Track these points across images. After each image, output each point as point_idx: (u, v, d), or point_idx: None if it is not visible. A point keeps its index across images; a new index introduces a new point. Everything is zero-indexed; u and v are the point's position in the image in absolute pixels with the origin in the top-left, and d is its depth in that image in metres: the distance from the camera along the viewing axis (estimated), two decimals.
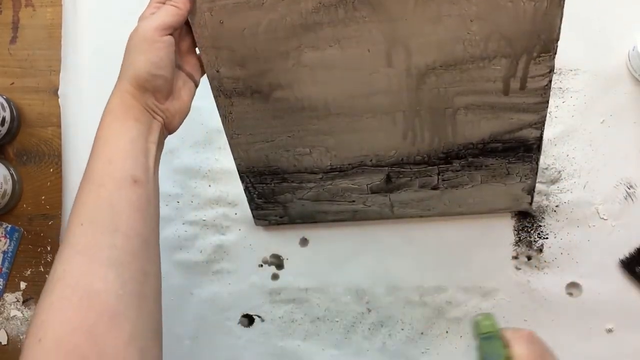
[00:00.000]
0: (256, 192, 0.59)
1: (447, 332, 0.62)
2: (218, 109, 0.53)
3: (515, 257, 0.61)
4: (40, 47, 0.70)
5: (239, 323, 0.65)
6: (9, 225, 0.70)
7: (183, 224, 0.65)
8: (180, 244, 0.65)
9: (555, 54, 0.48)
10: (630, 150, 0.60)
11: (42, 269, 0.70)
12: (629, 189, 0.60)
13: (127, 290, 0.36)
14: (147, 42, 0.41)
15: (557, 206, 0.61)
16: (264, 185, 0.59)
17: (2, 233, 0.70)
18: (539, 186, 0.61)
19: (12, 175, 0.69)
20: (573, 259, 0.61)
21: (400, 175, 0.57)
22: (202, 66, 0.50)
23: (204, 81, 0.51)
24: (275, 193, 0.59)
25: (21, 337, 0.70)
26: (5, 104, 0.67)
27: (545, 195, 0.61)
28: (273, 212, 0.61)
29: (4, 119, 0.66)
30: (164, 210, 0.55)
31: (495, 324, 0.43)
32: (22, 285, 0.70)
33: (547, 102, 0.51)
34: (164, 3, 0.43)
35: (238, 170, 0.58)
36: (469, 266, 0.62)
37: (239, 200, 0.64)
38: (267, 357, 0.65)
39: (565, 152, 0.61)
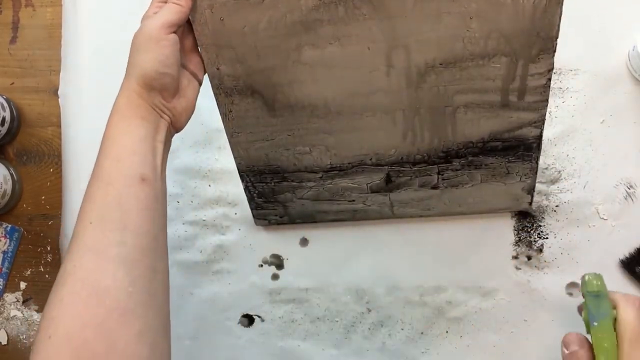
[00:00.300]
0: (256, 192, 0.59)
1: (447, 332, 0.62)
2: (218, 107, 0.53)
3: (515, 257, 0.61)
4: (40, 47, 0.70)
5: (239, 323, 0.65)
6: (9, 225, 0.70)
7: (183, 224, 0.65)
8: (180, 244, 0.65)
9: (555, 52, 0.48)
10: (630, 150, 0.60)
11: (42, 269, 0.70)
12: (629, 189, 0.60)
13: (136, 288, 0.36)
14: (153, 40, 0.41)
15: (557, 206, 0.61)
16: (264, 184, 0.59)
17: (2, 233, 0.70)
18: (539, 186, 0.61)
19: (12, 175, 0.69)
20: (573, 259, 0.61)
21: (400, 175, 0.57)
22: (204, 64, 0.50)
23: (204, 80, 0.51)
24: (275, 192, 0.59)
25: (21, 337, 0.70)
26: (5, 104, 0.67)
27: (545, 195, 0.61)
28: (273, 211, 0.61)
29: (4, 119, 0.66)
30: None
31: (604, 284, 0.43)
32: (22, 285, 0.70)
33: (547, 100, 0.51)
34: (166, 2, 0.43)
35: (238, 169, 0.58)
36: (469, 266, 0.62)
37: (239, 200, 0.64)
38: (267, 357, 0.65)
39: (565, 152, 0.61)
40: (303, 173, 0.57)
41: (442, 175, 0.56)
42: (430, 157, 0.55)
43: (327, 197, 0.59)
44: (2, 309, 0.71)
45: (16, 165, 0.70)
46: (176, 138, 0.50)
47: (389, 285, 0.63)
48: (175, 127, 0.46)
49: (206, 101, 0.52)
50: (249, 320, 0.65)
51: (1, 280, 0.70)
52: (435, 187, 0.58)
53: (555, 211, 0.61)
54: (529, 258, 0.61)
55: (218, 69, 0.50)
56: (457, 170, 0.56)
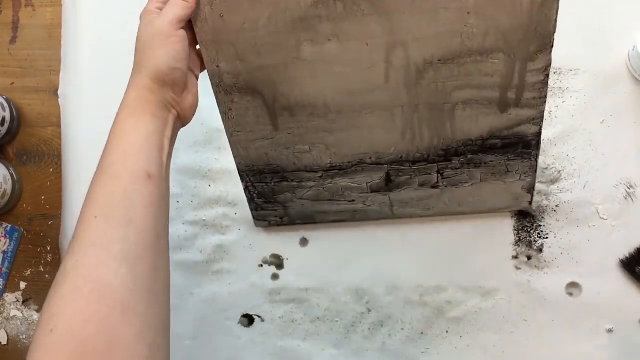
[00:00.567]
0: (256, 192, 0.59)
1: (447, 332, 0.62)
2: (218, 106, 0.53)
3: (515, 257, 0.61)
4: (40, 47, 0.70)
5: (239, 323, 0.65)
6: (9, 225, 0.70)
7: (183, 224, 0.65)
8: (180, 244, 0.65)
9: (552, 47, 0.48)
10: (630, 150, 0.60)
11: (42, 269, 0.70)
12: (629, 189, 0.60)
13: (138, 285, 0.36)
14: (164, 36, 0.42)
15: (557, 206, 0.61)
16: (264, 184, 0.59)
17: (2, 233, 0.70)
18: (539, 186, 0.61)
19: (12, 175, 0.69)
20: (573, 259, 0.61)
21: (400, 174, 0.56)
22: (201, 62, 0.50)
23: (203, 80, 0.51)
24: (275, 192, 0.59)
25: (21, 337, 0.70)
26: (5, 104, 0.67)
27: (545, 195, 0.61)
28: (273, 212, 0.61)
29: (4, 119, 0.66)
30: None
31: None
32: (22, 285, 0.70)
33: (545, 97, 0.51)
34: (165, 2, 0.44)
35: (238, 169, 0.58)
36: (468, 266, 0.62)
37: (239, 200, 0.64)
38: (267, 357, 0.65)
39: (565, 152, 0.61)
40: (303, 172, 0.57)
41: (442, 174, 0.56)
42: (429, 155, 0.55)
43: (327, 197, 0.59)
44: (2, 309, 0.71)
45: (16, 165, 0.70)
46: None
47: (389, 285, 0.63)
48: (182, 121, 0.47)
49: (206, 100, 0.52)
50: (249, 320, 0.65)
51: (1, 280, 0.70)
52: (435, 187, 0.58)
53: (555, 211, 0.61)
54: (529, 258, 0.61)
55: (218, 66, 0.50)
56: (456, 168, 0.56)
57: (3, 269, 0.70)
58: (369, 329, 0.63)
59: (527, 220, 0.61)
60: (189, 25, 0.47)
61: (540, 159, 0.61)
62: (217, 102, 0.53)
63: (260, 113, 0.53)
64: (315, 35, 0.48)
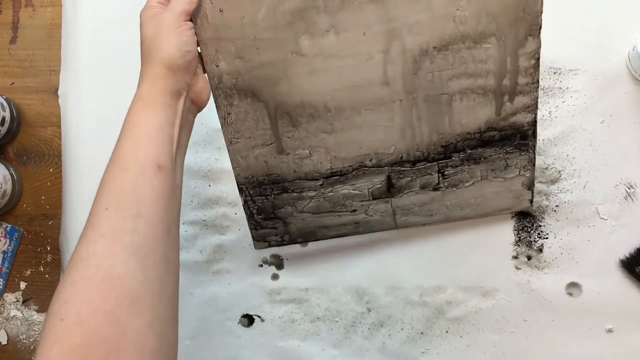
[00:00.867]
0: (255, 207, 0.58)
1: (447, 332, 0.62)
2: (217, 111, 0.53)
3: (515, 257, 0.61)
4: (40, 47, 0.69)
5: (239, 323, 0.65)
6: (9, 225, 0.70)
7: (183, 224, 0.65)
8: (180, 244, 0.65)
9: (541, 28, 0.49)
10: (630, 150, 0.60)
11: (42, 269, 0.70)
12: (629, 189, 0.60)
13: (148, 276, 0.36)
14: (173, 27, 0.44)
15: (557, 206, 0.61)
16: (264, 197, 0.58)
17: (2, 233, 0.70)
18: (539, 186, 0.61)
19: (12, 175, 0.69)
20: (573, 259, 0.61)
21: (401, 176, 0.56)
22: (202, 64, 0.50)
23: None
24: (275, 207, 0.58)
25: (21, 337, 0.70)
26: (5, 104, 0.67)
27: (545, 195, 0.61)
28: (273, 230, 0.60)
29: (4, 119, 0.66)
30: None
31: None
32: (22, 285, 0.70)
33: (537, 82, 0.52)
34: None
35: (237, 182, 0.57)
36: (468, 266, 0.62)
37: (239, 200, 0.64)
38: (267, 357, 0.65)
39: (565, 152, 0.61)
40: (303, 181, 0.57)
41: (443, 172, 0.56)
42: (429, 153, 0.55)
43: (328, 209, 0.58)
44: (2, 309, 0.71)
45: (16, 165, 0.70)
46: None
47: (389, 285, 0.63)
48: (198, 105, 0.47)
49: None
50: (249, 320, 0.65)
51: (1, 280, 0.70)
52: (436, 189, 0.57)
53: (555, 211, 0.61)
54: (529, 258, 0.61)
55: (217, 65, 0.50)
56: (456, 166, 0.56)
57: (3, 269, 0.70)
58: (369, 329, 0.63)
59: (527, 220, 0.61)
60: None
61: (541, 159, 0.61)
62: (216, 106, 0.53)
63: (260, 116, 0.53)
64: (313, 28, 0.49)
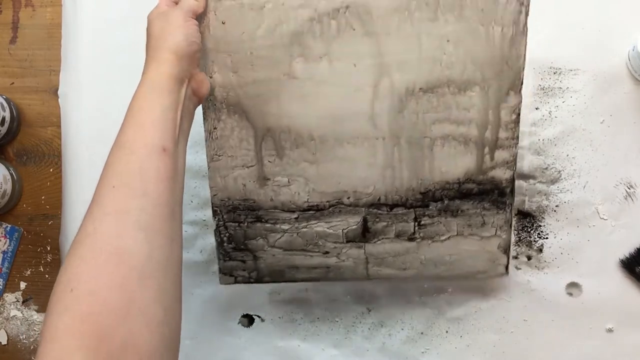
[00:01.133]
0: (227, 234, 0.57)
1: (447, 332, 0.62)
2: (204, 124, 0.54)
3: (515, 257, 0.61)
4: (40, 47, 0.69)
5: (239, 323, 0.65)
6: (9, 225, 0.70)
7: (183, 223, 0.65)
8: None
9: (522, 85, 0.51)
10: (630, 150, 0.60)
11: (42, 269, 0.70)
12: (629, 189, 0.60)
13: (154, 253, 0.37)
14: (180, 21, 0.46)
15: (557, 206, 0.61)
16: (237, 224, 0.57)
17: (2, 233, 0.70)
18: (539, 186, 0.61)
19: (12, 175, 0.69)
20: (573, 259, 0.61)
21: (377, 220, 0.56)
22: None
23: None
24: (247, 237, 0.57)
25: (21, 337, 0.70)
26: (5, 104, 0.67)
27: (545, 195, 0.61)
28: (241, 264, 0.58)
29: (4, 119, 0.66)
30: None
31: None
32: (22, 285, 0.70)
33: (517, 139, 0.53)
34: (176, 3, 0.48)
35: (212, 204, 0.57)
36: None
37: None
38: (267, 357, 0.65)
39: (565, 152, 0.61)
40: (279, 212, 0.56)
41: (419, 222, 0.56)
42: (408, 199, 0.55)
43: (300, 246, 0.57)
44: (2, 309, 0.71)
45: (16, 165, 0.70)
46: None
47: (389, 285, 0.63)
48: (198, 95, 0.49)
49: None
50: (249, 320, 0.65)
51: (1, 280, 0.70)
52: (412, 239, 0.56)
53: (555, 211, 0.61)
54: (529, 258, 0.61)
55: (211, 76, 0.52)
56: (433, 216, 0.55)
57: (3, 269, 0.70)
58: (369, 329, 0.63)
59: (527, 220, 0.61)
60: None
61: (540, 159, 0.61)
62: (204, 119, 0.53)
63: (245, 136, 0.54)
64: (307, 52, 0.51)
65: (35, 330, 0.70)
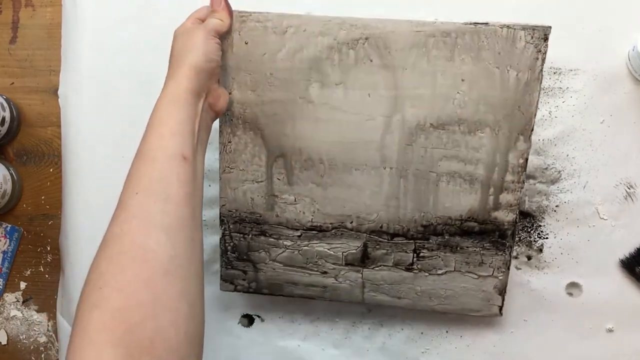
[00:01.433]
0: (231, 244, 0.58)
1: (447, 332, 0.62)
2: (220, 136, 0.56)
3: (515, 257, 0.61)
4: (40, 47, 0.70)
5: (239, 323, 0.65)
6: (9, 225, 0.70)
7: None
8: None
9: (532, 132, 0.52)
10: (630, 150, 0.60)
11: (42, 269, 0.70)
12: (629, 189, 0.60)
13: (177, 252, 0.39)
14: (201, 39, 0.49)
15: (557, 206, 0.61)
16: (242, 236, 0.58)
17: (2, 233, 0.70)
18: (539, 186, 0.61)
19: (12, 175, 0.69)
20: (573, 259, 0.61)
21: (377, 247, 0.56)
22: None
23: None
24: (251, 248, 0.58)
25: (21, 337, 0.70)
26: (5, 104, 0.67)
27: (545, 195, 0.61)
28: (242, 274, 0.59)
29: (4, 119, 0.66)
30: None
31: None
32: (22, 285, 0.71)
33: (523, 183, 0.54)
34: (203, 21, 0.51)
35: (220, 213, 0.58)
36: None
37: None
38: (267, 357, 0.65)
39: (565, 152, 0.61)
40: (283, 228, 0.57)
41: (418, 253, 0.56)
42: (409, 229, 0.56)
43: (300, 263, 0.58)
44: (2, 309, 0.71)
45: (16, 165, 0.70)
46: None
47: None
48: (215, 110, 0.51)
49: None
50: (249, 320, 0.65)
51: (1, 280, 0.70)
52: (409, 269, 0.57)
53: (555, 211, 0.61)
54: (529, 258, 0.61)
55: (230, 93, 0.54)
56: (432, 250, 0.56)
57: (3, 269, 0.70)
58: (369, 329, 0.63)
59: (527, 220, 0.61)
60: None
61: (540, 159, 0.61)
62: (219, 132, 0.55)
63: (258, 152, 0.55)
64: (325, 78, 0.53)
65: (35, 330, 0.70)
